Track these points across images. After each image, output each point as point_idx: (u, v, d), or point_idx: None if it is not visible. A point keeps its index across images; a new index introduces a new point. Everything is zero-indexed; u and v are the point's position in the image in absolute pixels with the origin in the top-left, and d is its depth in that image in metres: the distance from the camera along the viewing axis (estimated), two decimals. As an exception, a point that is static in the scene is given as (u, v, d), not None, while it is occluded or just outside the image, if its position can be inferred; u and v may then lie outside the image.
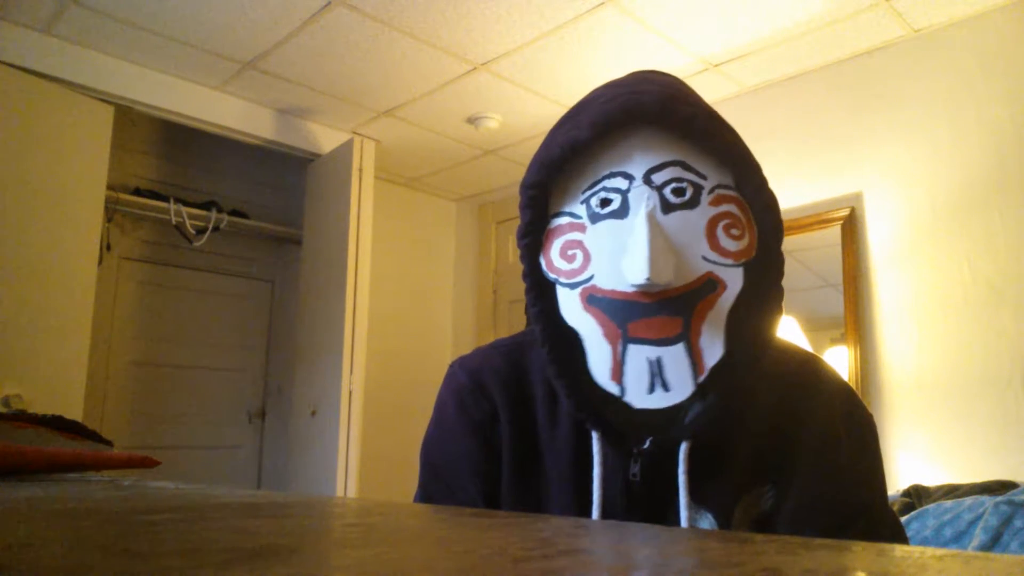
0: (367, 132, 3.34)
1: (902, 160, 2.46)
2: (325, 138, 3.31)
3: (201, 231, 3.40)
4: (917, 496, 2.06)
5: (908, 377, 2.36)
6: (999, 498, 1.79)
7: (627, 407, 0.66)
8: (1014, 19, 2.28)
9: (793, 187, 2.67)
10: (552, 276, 0.70)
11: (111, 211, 3.07)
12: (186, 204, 3.34)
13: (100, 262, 2.78)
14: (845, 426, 0.72)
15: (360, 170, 3.17)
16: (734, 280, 0.66)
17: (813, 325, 2.62)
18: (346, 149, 3.19)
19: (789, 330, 2.58)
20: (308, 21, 2.45)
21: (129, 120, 3.22)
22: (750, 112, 2.85)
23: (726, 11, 2.37)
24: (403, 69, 2.77)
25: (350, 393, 2.95)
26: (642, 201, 0.65)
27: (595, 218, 0.68)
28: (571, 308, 0.69)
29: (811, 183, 2.67)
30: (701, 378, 0.64)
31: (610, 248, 0.66)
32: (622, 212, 0.66)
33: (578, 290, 0.68)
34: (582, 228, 0.69)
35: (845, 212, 2.55)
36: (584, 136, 0.67)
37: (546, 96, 2.96)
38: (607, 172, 0.67)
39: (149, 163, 3.45)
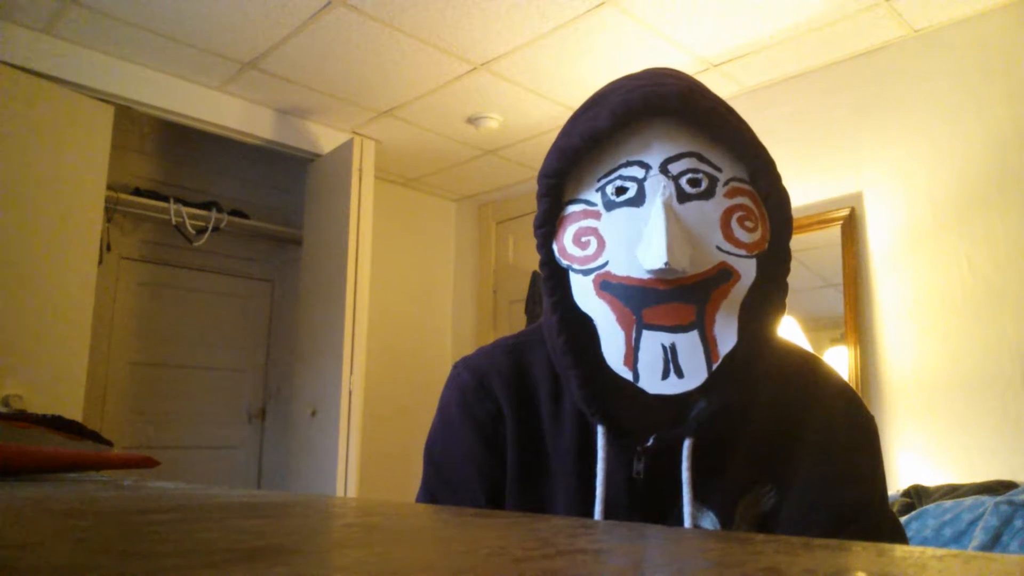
0: (367, 132, 3.34)
1: (902, 160, 2.46)
2: (325, 138, 3.31)
3: (201, 231, 3.40)
4: (917, 496, 2.06)
5: (908, 377, 2.35)
6: (999, 498, 1.79)
7: (638, 395, 0.66)
8: (1014, 19, 2.28)
9: (793, 187, 2.64)
10: (565, 263, 0.71)
11: (111, 211, 3.07)
12: (186, 204, 3.34)
13: (100, 262, 2.78)
14: (845, 426, 0.72)
15: (360, 170, 3.16)
16: (748, 271, 0.67)
17: (813, 325, 2.61)
18: (346, 149, 3.19)
19: (789, 330, 2.58)
20: (308, 21, 2.45)
21: (129, 120, 3.22)
22: (750, 112, 2.83)
23: (726, 11, 2.37)
24: (403, 69, 2.77)
25: (350, 393, 2.95)
26: (658, 190, 0.66)
27: (610, 205, 0.68)
28: (584, 294, 0.69)
29: (811, 183, 2.67)
30: (715, 365, 0.65)
31: (626, 235, 0.67)
32: (638, 200, 0.67)
33: (591, 276, 0.68)
34: (596, 215, 0.69)
35: (845, 212, 2.55)
36: (604, 125, 0.67)
37: (546, 96, 2.96)
38: (624, 161, 0.68)
39: (149, 163, 3.45)
